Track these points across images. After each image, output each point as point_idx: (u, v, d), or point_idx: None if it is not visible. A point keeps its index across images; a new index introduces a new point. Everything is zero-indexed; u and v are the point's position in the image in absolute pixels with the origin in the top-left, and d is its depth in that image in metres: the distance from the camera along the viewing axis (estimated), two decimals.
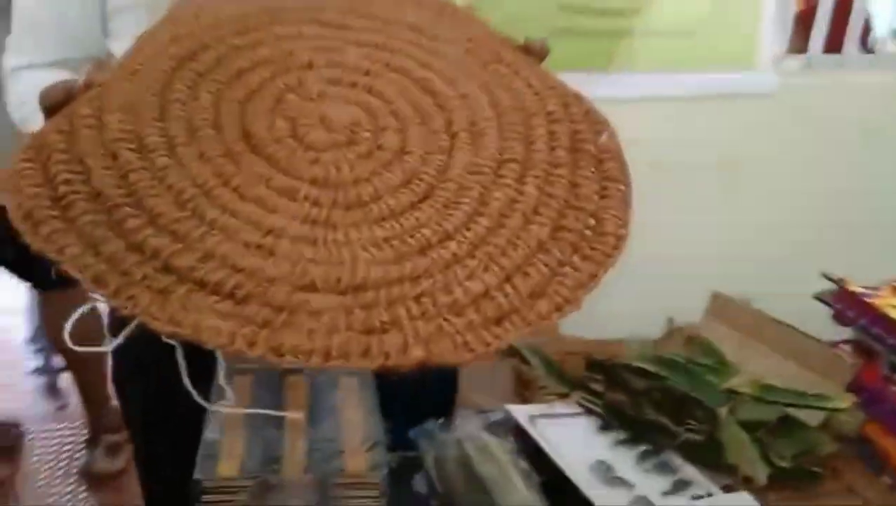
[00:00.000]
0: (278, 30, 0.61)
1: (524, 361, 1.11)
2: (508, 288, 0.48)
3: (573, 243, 0.51)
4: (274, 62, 0.59)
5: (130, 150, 0.51)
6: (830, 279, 1.26)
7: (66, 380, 2.26)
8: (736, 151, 2.03)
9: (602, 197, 0.54)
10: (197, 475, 0.61)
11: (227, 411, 0.65)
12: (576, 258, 0.50)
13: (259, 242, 0.47)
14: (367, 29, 0.63)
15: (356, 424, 0.71)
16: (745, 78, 2.01)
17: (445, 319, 0.46)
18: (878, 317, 1.06)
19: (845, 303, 1.13)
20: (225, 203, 0.49)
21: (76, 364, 2.00)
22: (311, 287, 0.46)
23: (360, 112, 0.56)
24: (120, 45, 0.86)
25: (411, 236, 0.49)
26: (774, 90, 2.03)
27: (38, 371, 2.36)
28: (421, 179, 0.52)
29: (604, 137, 0.57)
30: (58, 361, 2.28)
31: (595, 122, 0.59)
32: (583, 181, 0.54)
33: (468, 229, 0.50)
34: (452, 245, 0.49)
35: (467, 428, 0.91)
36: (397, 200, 0.51)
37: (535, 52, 0.68)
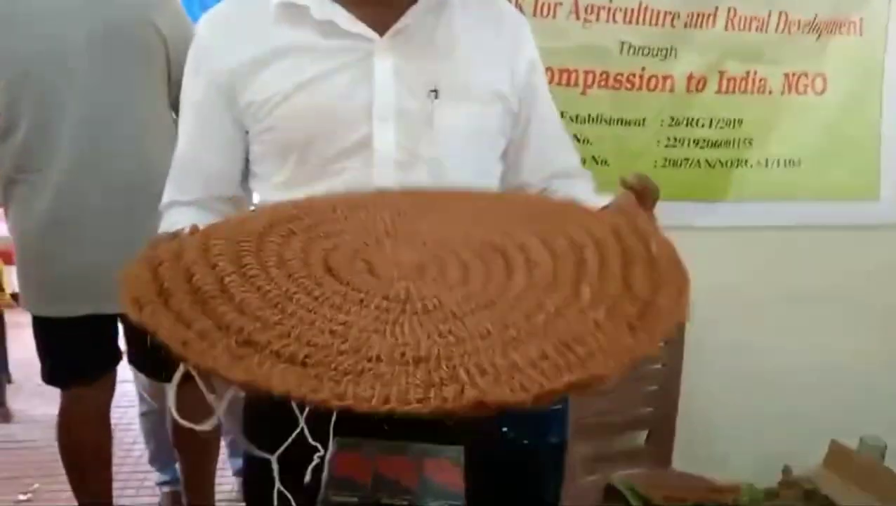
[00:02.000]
0: (362, 213, 0.75)
1: (626, 503, 1.07)
2: (566, 351, 0.51)
3: (629, 321, 0.54)
4: (357, 230, 0.71)
5: (228, 263, 0.62)
6: None
7: None
8: (858, 284, 1.95)
9: (656, 291, 0.57)
10: None
11: None
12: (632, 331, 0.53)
13: (332, 329, 0.54)
14: (436, 215, 0.75)
15: None
16: (867, 209, 1.96)
17: (504, 374, 0.49)
18: None
19: None
20: (304, 304, 0.58)
21: (190, 459, 2.08)
22: (377, 359, 0.51)
23: (429, 257, 0.66)
24: (262, 186, 0.99)
25: (472, 329, 0.54)
26: None
27: (165, 484, 2.46)
28: (482, 296, 0.59)
29: (653, 247, 0.62)
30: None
31: (644, 236, 0.64)
32: (636, 281, 0.58)
33: (527, 322, 0.54)
34: (511, 331, 0.53)
35: None
36: (459, 308, 0.57)
37: (639, 191, 0.73)
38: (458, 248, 0.67)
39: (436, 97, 0.94)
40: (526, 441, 0.85)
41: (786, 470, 1.14)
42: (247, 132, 0.98)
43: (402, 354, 0.51)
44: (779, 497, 1.11)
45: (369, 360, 0.51)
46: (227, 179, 1.01)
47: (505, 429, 0.89)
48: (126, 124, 1.66)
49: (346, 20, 0.91)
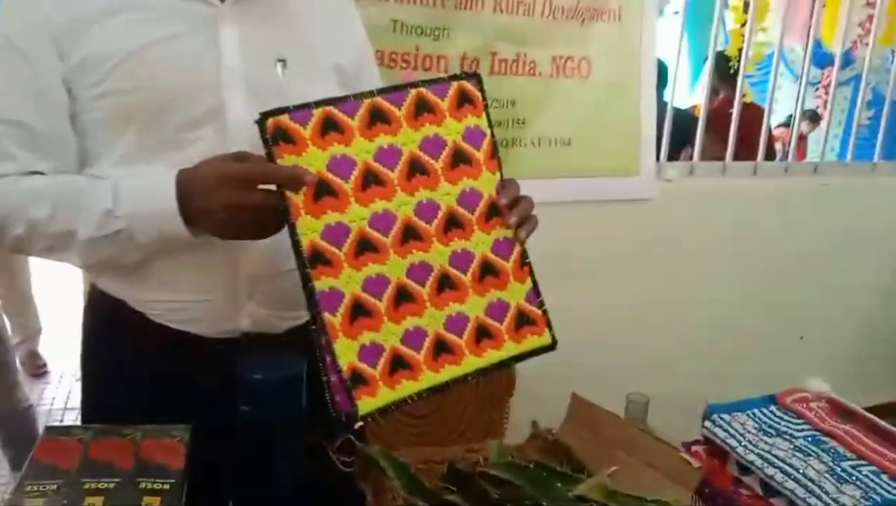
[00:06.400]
0: None
1: (382, 471, 1.09)
2: None
3: None
4: None
5: None
6: None
7: None
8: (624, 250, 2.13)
9: None
10: None
11: None
12: None
13: None
14: None
15: None
16: (629, 185, 2.13)
17: None
18: None
19: None
20: None
21: None
22: None
23: None
24: (99, 166, 0.93)
25: None
26: (656, 195, 2.15)
27: None
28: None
29: None
30: None
31: None
32: None
33: None
34: None
35: None
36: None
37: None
38: None
39: (284, 66, 0.96)
40: (263, 416, 0.85)
41: (533, 425, 1.21)
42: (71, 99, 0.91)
43: None
44: (524, 451, 1.17)
45: None
46: (61, 150, 0.92)
47: (245, 408, 0.88)
48: None
49: None
